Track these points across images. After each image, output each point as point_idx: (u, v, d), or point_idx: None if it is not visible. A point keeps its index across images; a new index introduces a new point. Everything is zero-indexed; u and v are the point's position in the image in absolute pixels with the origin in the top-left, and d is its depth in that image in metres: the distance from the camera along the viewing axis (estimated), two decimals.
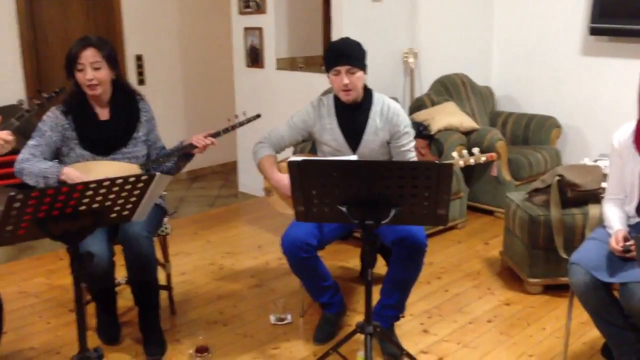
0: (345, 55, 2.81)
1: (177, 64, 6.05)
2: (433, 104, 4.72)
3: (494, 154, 2.73)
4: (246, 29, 5.26)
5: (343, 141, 2.94)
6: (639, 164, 2.44)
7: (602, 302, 2.39)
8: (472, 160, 2.69)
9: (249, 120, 3.03)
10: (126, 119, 2.86)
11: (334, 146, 2.96)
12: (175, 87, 6.02)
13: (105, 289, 2.87)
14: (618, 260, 2.37)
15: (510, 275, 3.60)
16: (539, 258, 3.35)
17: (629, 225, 2.50)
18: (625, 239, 2.38)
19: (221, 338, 3.00)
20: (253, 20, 5.20)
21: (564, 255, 3.28)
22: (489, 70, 5.46)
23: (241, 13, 5.27)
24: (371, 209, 2.34)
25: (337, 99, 2.96)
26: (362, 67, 2.85)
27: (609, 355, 2.65)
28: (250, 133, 5.19)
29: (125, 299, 3.22)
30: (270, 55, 5.18)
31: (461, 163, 2.72)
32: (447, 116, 4.51)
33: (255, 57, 5.30)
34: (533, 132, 4.90)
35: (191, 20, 6.06)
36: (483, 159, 2.70)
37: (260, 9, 5.14)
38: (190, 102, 6.17)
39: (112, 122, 2.83)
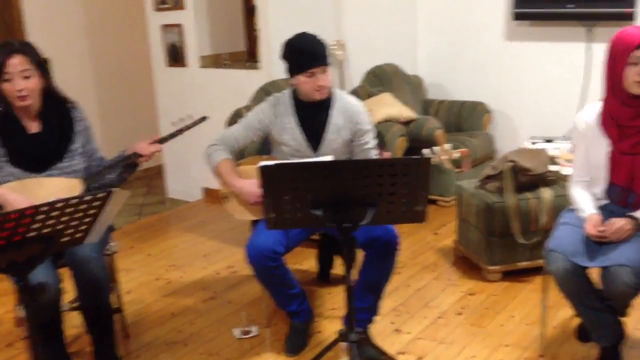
0: (318, 55, 2.65)
1: (87, 66, 5.63)
2: (369, 95, 4.65)
3: (466, 150, 2.67)
4: (164, 26, 4.97)
5: (303, 141, 2.79)
6: (606, 145, 2.45)
7: (582, 287, 2.39)
8: (445, 157, 2.62)
9: (195, 124, 2.81)
10: (59, 131, 2.56)
11: (293, 146, 2.81)
12: (87, 91, 5.57)
13: (52, 319, 2.58)
14: (595, 244, 2.37)
15: (467, 264, 3.59)
16: (496, 245, 3.35)
17: (598, 207, 2.51)
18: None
19: None
20: (171, 17, 4.92)
21: (521, 241, 3.31)
22: (416, 59, 5.46)
23: (157, 9, 4.97)
24: (348, 211, 2.21)
25: (295, 97, 2.80)
26: (330, 63, 2.71)
27: (585, 337, 2.67)
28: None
29: (70, 326, 2.92)
30: (192, 52, 4.92)
31: (437, 160, 2.64)
32: (385, 107, 4.45)
33: (175, 56, 5.02)
34: (465, 119, 4.95)
35: (101, 17, 5.65)
36: (456, 154, 2.63)
37: (178, 5, 4.87)
38: (105, 108, 5.75)
39: (45, 135, 2.53)
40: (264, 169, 2.12)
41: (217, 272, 3.69)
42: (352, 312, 2.35)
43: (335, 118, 2.80)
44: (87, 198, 1.97)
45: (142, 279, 3.63)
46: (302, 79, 2.69)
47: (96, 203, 2.01)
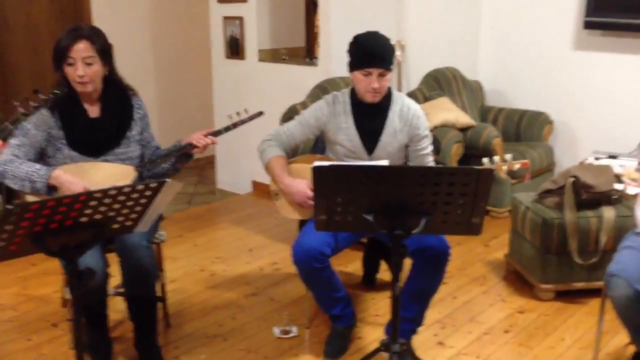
0: (379, 56, 2.57)
1: (149, 55, 5.71)
2: (426, 99, 4.55)
3: (527, 161, 2.55)
4: (226, 18, 4.99)
5: (359, 142, 2.73)
6: None
7: None
8: (504, 167, 2.51)
9: (251, 118, 2.79)
10: (119, 117, 2.58)
11: (348, 147, 2.75)
12: (146, 80, 5.65)
13: (97, 303, 2.60)
14: None
15: (518, 279, 3.47)
16: (551, 263, 3.22)
17: None
18: None
19: (223, 355, 2.76)
20: (233, 9, 4.93)
21: (578, 260, 3.17)
22: (477, 64, 5.32)
23: (220, 1, 4.98)
24: (400, 217, 2.15)
25: (353, 96, 2.74)
26: (391, 68, 2.64)
27: None
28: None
29: (114, 310, 2.94)
30: (251, 46, 4.92)
31: (496, 170, 2.53)
32: (442, 112, 4.34)
33: (235, 48, 5.03)
34: (525, 128, 4.79)
35: (165, 7, 5.72)
36: (517, 166, 2.52)
37: None
38: (163, 96, 5.83)
39: (104, 120, 2.55)
40: (317, 170, 2.07)
41: (261, 267, 3.67)
42: (397, 322, 2.28)
43: (393, 121, 2.73)
44: (140, 187, 1.96)
45: (187, 268, 3.65)
46: (358, 76, 2.63)
47: (148, 192, 2.00)
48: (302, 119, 2.82)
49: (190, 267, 3.67)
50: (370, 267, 3.41)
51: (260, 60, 4.93)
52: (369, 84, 2.60)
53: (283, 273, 3.58)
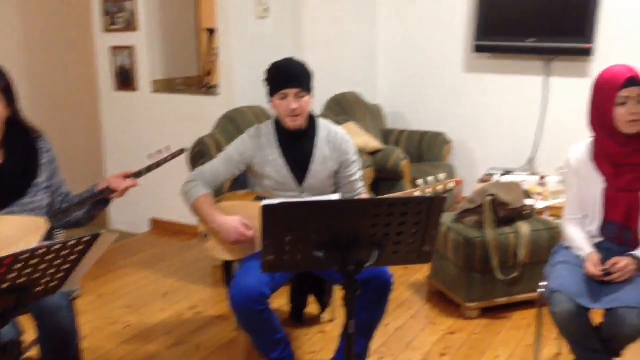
0: (293, 77, 2.52)
1: (22, 89, 5.22)
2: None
3: (460, 179, 2.58)
4: (114, 48, 4.70)
5: (288, 173, 2.63)
6: (600, 182, 2.43)
7: (585, 329, 2.32)
8: (439, 187, 2.51)
9: (174, 156, 2.59)
10: (24, 163, 2.29)
11: (276, 179, 2.63)
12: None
13: None
14: (597, 284, 2.32)
15: (442, 300, 3.49)
16: (475, 281, 3.27)
17: (593, 245, 2.47)
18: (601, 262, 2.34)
19: None
20: (122, 39, 4.66)
21: (500, 277, 3.24)
22: (376, 88, 5.41)
23: (107, 30, 4.70)
24: (352, 252, 2.06)
25: (277, 127, 2.65)
26: (310, 90, 2.58)
27: None
28: (120, 162, 4.66)
29: None
30: (144, 76, 4.67)
31: (429, 191, 2.53)
32: (352, 137, 4.32)
33: (125, 80, 4.75)
34: (426, 149, 4.91)
35: (40, 37, 5.28)
36: (451, 184, 2.53)
37: (131, 26, 4.62)
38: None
39: (7, 168, 2.25)
40: (267, 208, 1.93)
41: (180, 313, 3.43)
42: None
43: (321, 148, 2.66)
44: (72, 243, 1.73)
45: (96, 323, 3.32)
46: (277, 102, 2.58)
47: (79, 247, 1.77)
48: (226, 156, 2.68)
49: (100, 320, 3.35)
50: (299, 302, 3.29)
51: (155, 91, 4.69)
52: (287, 107, 2.53)
53: (205, 317, 3.36)
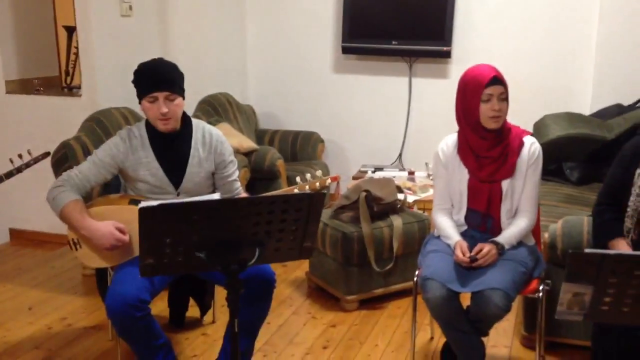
0: (162, 79, 2.45)
1: None
2: None
3: (337, 175, 2.64)
4: None
5: (163, 176, 2.56)
6: (465, 174, 2.60)
7: (455, 312, 2.47)
8: (317, 184, 2.56)
9: (36, 160, 2.45)
10: None
11: (152, 182, 2.56)
12: None
13: None
14: (465, 270, 2.48)
15: (323, 295, 3.57)
16: (353, 274, 3.37)
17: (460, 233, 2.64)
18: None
19: None
20: None
21: (377, 268, 3.37)
22: (248, 89, 5.41)
23: None
24: (234, 251, 2.06)
25: (150, 128, 2.57)
26: (181, 92, 2.53)
27: (449, 358, 2.76)
28: None
29: None
30: None
31: (307, 188, 2.57)
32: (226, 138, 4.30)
33: None
34: (300, 149, 4.98)
35: None
36: (328, 181, 2.59)
37: None
38: None
39: None
40: (144, 211, 1.87)
41: (49, 326, 3.22)
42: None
43: (197, 150, 2.62)
44: None
45: None
46: (146, 105, 2.51)
47: None
48: (96, 159, 2.56)
49: None
50: (179, 306, 3.21)
51: (9, 92, 4.38)
52: (157, 111, 2.48)
53: (76, 328, 3.19)
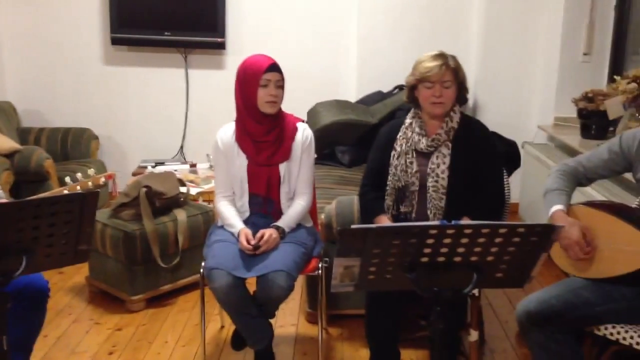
0: None
1: None
2: None
3: (112, 173, 2.52)
4: None
5: None
6: (244, 159, 2.65)
7: (242, 298, 2.52)
8: (90, 183, 2.42)
9: None
10: None
11: None
12: None
13: None
14: (248, 256, 2.54)
15: (106, 298, 3.39)
16: (138, 274, 3.26)
17: (244, 220, 2.69)
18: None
19: None
20: None
21: (163, 265, 3.30)
22: (4, 84, 4.90)
23: None
24: None
25: None
26: None
27: (240, 345, 2.81)
28: None
29: None
30: None
31: (78, 188, 2.41)
32: None
33: None
34: (72, 147, 4.66)
35: None
36: (102, 179, 2.45)
37: None
38: None
39: None
40: None
41: None
42: None
43: None
44: None
45: None
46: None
47: None
48: None
49: None
50: None
51: None
52: None
53: None
